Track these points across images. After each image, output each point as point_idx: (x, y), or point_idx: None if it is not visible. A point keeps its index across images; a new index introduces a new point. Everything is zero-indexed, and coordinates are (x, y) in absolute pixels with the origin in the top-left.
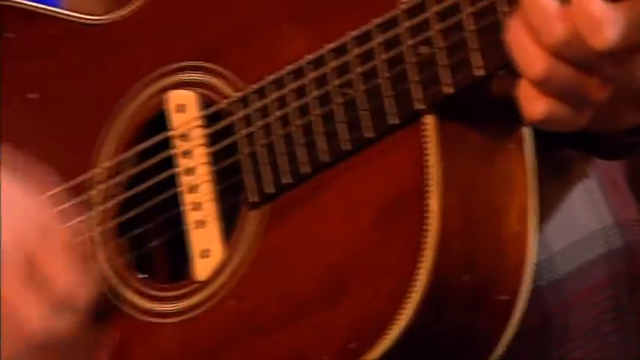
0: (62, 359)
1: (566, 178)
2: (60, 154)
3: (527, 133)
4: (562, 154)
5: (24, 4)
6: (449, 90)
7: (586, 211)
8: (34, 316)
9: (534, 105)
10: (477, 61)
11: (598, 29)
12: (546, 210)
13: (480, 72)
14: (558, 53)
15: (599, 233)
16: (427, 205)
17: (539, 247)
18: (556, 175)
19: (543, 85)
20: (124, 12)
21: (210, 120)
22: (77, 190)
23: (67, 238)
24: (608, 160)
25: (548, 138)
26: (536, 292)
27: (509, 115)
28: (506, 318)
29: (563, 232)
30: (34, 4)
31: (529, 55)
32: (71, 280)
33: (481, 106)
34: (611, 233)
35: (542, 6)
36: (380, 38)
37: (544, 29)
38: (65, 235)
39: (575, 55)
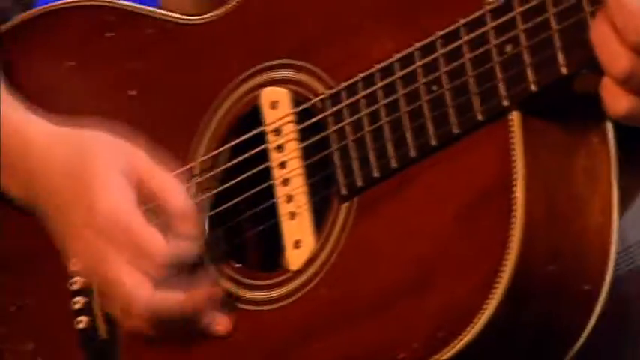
0: (173, 328)
1: None
2: (158, 149)
3: (610, 127)
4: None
5: (123, 4)
6: (533, 88)
7: None
8: (141, 293)
9: (618, 102)
10: (561, 59)
11: None
12: (624, 202)
13: (564, 70)
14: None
15: None
16: (513, 198)
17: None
18: (633, 167)
19: (627, 83)
20: (218, 12)
21: (301, 116)
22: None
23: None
24: None
25: (627, 131)
26: (613, 281)
27: (592, 110)
28: (589, 308)
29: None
30: (133, 4)
31: (613, 53)
32: (172, 254)
33: (564, 102)
34: None
35: (626, 5)
36: (466, 37)
37: (628, 28)
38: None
39: None
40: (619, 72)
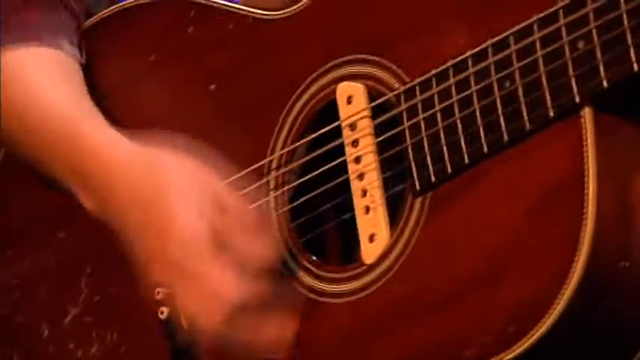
0: (259, 319)
1: None
2: (237, 142)
3: None
4: None
5: None
6: (605, 84)
7: None
8: (226, 285)
9: None
10: (633, 56)
11: None
12: None
13: (636, 67)
14: None
15: None
16: (584, 194)
17: None
18: None
19: None
20: (295, 8)
21: (377, 111)
22: (254, 177)
23: (244, 211)
24: None
25: None
26: None
27: None
28: None
29: None
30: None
31: None
32: (254, 246)
33: (636, 97)
34: None
35: None
36: (539, 33)
37: None
38: (242, 208)
39: None
40: None
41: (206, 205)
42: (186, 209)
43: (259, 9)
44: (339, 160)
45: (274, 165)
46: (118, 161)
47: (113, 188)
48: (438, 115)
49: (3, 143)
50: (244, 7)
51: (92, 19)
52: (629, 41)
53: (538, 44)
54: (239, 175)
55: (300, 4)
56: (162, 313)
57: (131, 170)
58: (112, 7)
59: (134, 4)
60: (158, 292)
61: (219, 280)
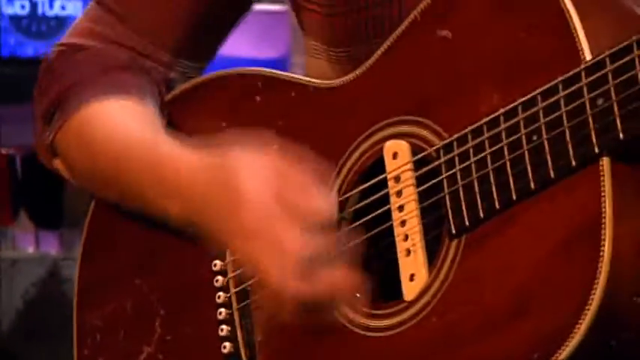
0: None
1: None
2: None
3: None
4: None
5: (269, 71)
6: (622, 136)
7: None
8: (291, 236)
9: None
10: None
11: None
12: None
13: None
14: None
15: None
16: (602, 235)
17: None
18: None
19: None
20: (349, 77)
21: (419, 164)
22: None
23: (304, 179)
24: None
25: None
26: None
27: None
28: None
29: None
30: (278, 71)
31: None
32: (314, 205)
33: None
34: None
35: None
36: (563, 92)
37: None
38: (302, 176)
39: None
40: None
41: (271, 177)
42: (253, 183)
43: (318, 79)
44: (384, 209)
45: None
46: (195, 163)
47: (195, 185)
48: (473, 167)
49: (95, 187)
50: (304, 78)
51: (174, 91)
52: None
53: (562, 102)
54: None
55: (352, 74)
56: (224, 348)
57: (208, 169)
58: (191, 81)
59: (209, 77)
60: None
61: (286, 238)
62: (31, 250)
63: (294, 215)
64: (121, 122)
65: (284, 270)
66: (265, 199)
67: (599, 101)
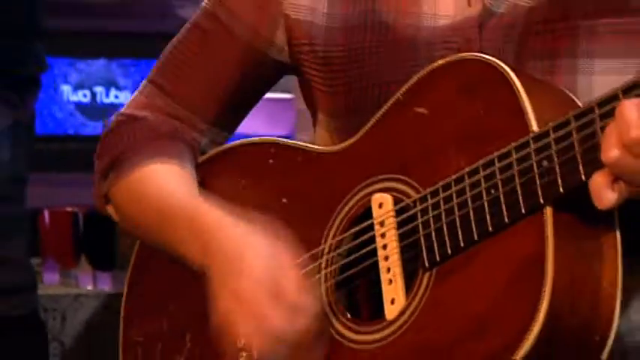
0: (300, 352)
1: None
2: (300, 236)
3: (616, 220)
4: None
5: (281, 140)
6: (562, 190)
7: None
8: (274, 313)
9: (604, 195)
10: (582, 170)
11: None
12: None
13: (584, 178)
14: (631, 150)
15: None
16: (545, 269)
17: (622, 318)
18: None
19: (614, 169)
20: (344, 145)
21: (399, 212)
22: (312, 258)
23: (299, 272)
24: None
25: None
26: (620, 354)
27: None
28: (598, 354)
29: None
30: (289, 140)
31: (607, 144)
32: (303, 295)
33: (585, 199)
34: None
35: (625, 118)
36: (516, 155)
37: (621, 134)
38: (297, 269)
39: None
40: (607, 160)
41: (273, 262)
42: (257, 261)
43: (321, 146)
44: (371, 247)
45: (326, 251)
46: (222, 232)
47: (213, 249)
48: (443, 214)
49: (141, 233)
50: (310, 145)
51: (204, 156)
52: (579, 161)
53: (515, 163)
54: (301, 258)
55: (348, 142)
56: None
57: (230, 239)
58: (219, 147)
59: (234, 144)
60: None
61: (269, 314)
62: (89, 287)
63: (282, 299)
64: (164, 183)
65: (259, 337)
66: (262, 277)
67: (544, 163)
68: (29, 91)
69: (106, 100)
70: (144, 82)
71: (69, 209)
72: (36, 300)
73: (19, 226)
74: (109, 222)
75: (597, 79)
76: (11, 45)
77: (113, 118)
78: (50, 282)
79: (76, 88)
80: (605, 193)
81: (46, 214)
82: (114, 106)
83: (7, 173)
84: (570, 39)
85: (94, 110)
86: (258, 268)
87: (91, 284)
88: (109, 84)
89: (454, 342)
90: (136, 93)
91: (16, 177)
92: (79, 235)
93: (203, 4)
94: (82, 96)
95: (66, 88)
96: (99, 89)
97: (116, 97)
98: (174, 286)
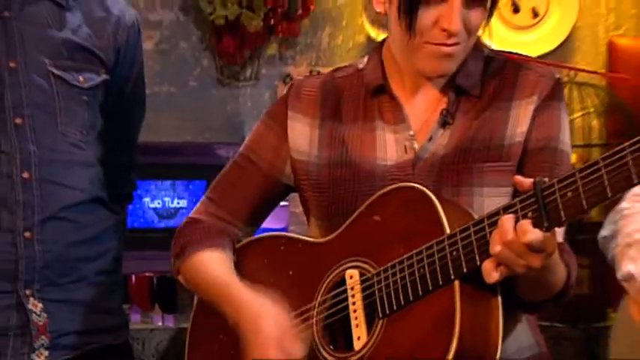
0: None
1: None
2: (297, 298)
3: (499, 290)
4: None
5: (288, 235)
6: (465, 271)
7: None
8: (277, 356)
9: (490, 274)
10: (478, 257)
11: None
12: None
13: (479, 263)
14: (508, 247)
15: (525, 350)
16: (454, 321)
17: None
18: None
19: (497, 258)
20: (328, 238)
21: (363, 282)
22: (307, 310)
23: (295, 330)
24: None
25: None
26: None
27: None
28: None
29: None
30: (294, 234)
31: (493, 243)
32: (295, 344)
33: (479, 276)
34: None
35: (504, 226)
36: (436, 248)
37: (501, 236)
38: (294, 329)
39: (514, 251)
40: (493, 253)
41: (276, 323)
42: (267, 322)
43: (313, 238)
44: (345, 304)
45: (316, 305)
46: (248, 304)
47: (243, 313)
48: (391, 283)
49: (199, 294)
50: (306, 238)
51: (240, 243)
52: (476, 252)
53: (435, 253)
54: (297, 312)
55: (330, 236)
56: None
57: (252, 308)
58: (249, 238)
59: (259, 236)
60: None
61: (276, 356)
62: (160, 324)
63: (282, 347)
64: (212, 265)
65: None
66: (270, 334)
67: (454, 253)
68: (126, 202)
69: (171, 206)
70: (202, 197)
71: (147, 274)
72: (127, 333)
73: (118, 288)
74: (173, 283)
75: (486, 200)
76: (119, 175)
77: (184, 219)
78: (135, 320)
79: (153, 199)
80: (492, 273)
81: (133, 277)
82: (176, 210)
83: (114, 253)
84: (468, 174)
85: (164, 212)
86: (267, 328)
87: (161, 322)
88: (174, 196)
89: None
90: (198, 204)
91: (117, 256)
92: (153, 291)
93: (240, 148)
94: (157, 203)
95: (146, 200)
96: (167, 199)
97: (178, 203)
98: (220, 324)
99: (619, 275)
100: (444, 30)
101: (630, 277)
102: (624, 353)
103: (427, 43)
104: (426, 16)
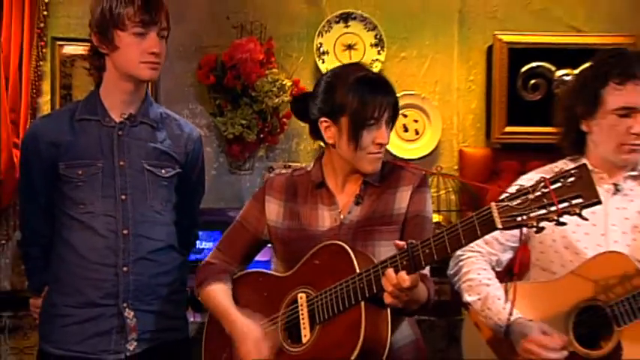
0: None
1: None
2: (270, 308)
3: (388, 308)
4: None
5: (265, 271)
6: (367, 295)
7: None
8: (255, 354)
9: (388, 298)
10: (374, 289)
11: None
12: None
13: (375, 291)
14: (395, 287)
15: (406, 337)
16: (360, 327)
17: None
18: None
19: (389, 292)
20: (287, 273)
21: (309, 300)
22: (274, 318)
23: (266, 332)
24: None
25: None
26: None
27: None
28: (381, 358)
29: None
30: (267, 270)
31: (385, 284)
32: (267, 347)
33: (380, 299)
34: None
35: (390, 275)
36: (350, 282)
37: (389, 281)
38: (265, 331)
39: (398, 289)
40: (386, 290)
41: (254, 333)
42: (250, 335)
43: (278, 273)
44: (297, 314)
45: (280, 315)
46: (238, 323)
47: (234, 327)
48: (324, 302)
49: (210, 310)
50: (276, 273)
51: (235, 276)
52: (374, 284)
53: (350, 285)
54: (266, 320)
55: (289, 272)
56: None
57: (241, 328)
58: (240, 272)
59: (248, 271)
60: None
61: (254, 354)
62: (192, 319)
63: (258, 348)
64: (218, 297)
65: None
66: (250, 342)
67: (362, 284)
68: (191, 248)
69: (200, 247)
70: (214, 247)
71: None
72: (187, 331)
73: (182, 302)
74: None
75: (382, 250)
76: (186, 231)
77: (203, 262)
78: None
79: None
80: (386, 299)
81: None
82: (202, 249)
83: (181, 281)
84: (371, 234)
85: (196, 250)
86: (249, 339)
87: (192, 317)
88: (201, 240)
89: (325, 352)
90: (212, 251)
91: (183, 282)
92: (188, 298)
93: (237, 216)
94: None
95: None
96: (197, 242)
97: (204, 244)
98: (222, 330)
99: (462, 300)
100: (379, 144)
101: (468, 304)
102: (472, 347)
103: (368, 154)
104: (367, 137)
